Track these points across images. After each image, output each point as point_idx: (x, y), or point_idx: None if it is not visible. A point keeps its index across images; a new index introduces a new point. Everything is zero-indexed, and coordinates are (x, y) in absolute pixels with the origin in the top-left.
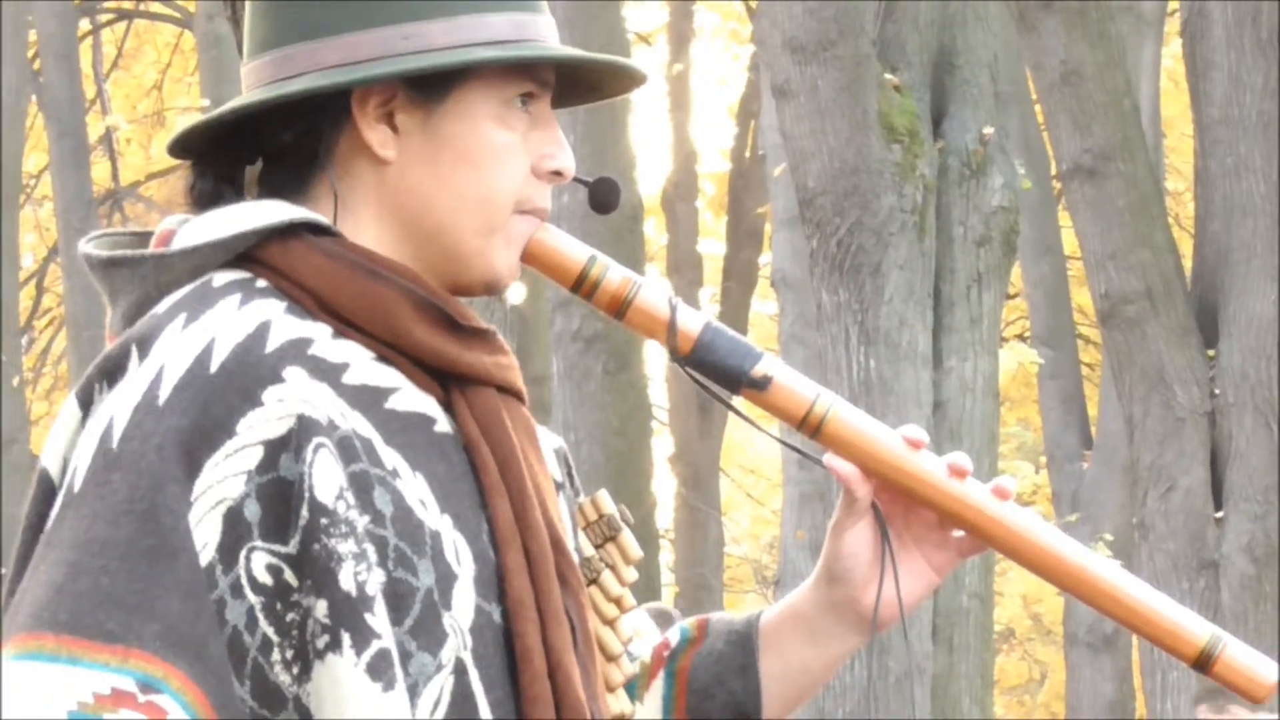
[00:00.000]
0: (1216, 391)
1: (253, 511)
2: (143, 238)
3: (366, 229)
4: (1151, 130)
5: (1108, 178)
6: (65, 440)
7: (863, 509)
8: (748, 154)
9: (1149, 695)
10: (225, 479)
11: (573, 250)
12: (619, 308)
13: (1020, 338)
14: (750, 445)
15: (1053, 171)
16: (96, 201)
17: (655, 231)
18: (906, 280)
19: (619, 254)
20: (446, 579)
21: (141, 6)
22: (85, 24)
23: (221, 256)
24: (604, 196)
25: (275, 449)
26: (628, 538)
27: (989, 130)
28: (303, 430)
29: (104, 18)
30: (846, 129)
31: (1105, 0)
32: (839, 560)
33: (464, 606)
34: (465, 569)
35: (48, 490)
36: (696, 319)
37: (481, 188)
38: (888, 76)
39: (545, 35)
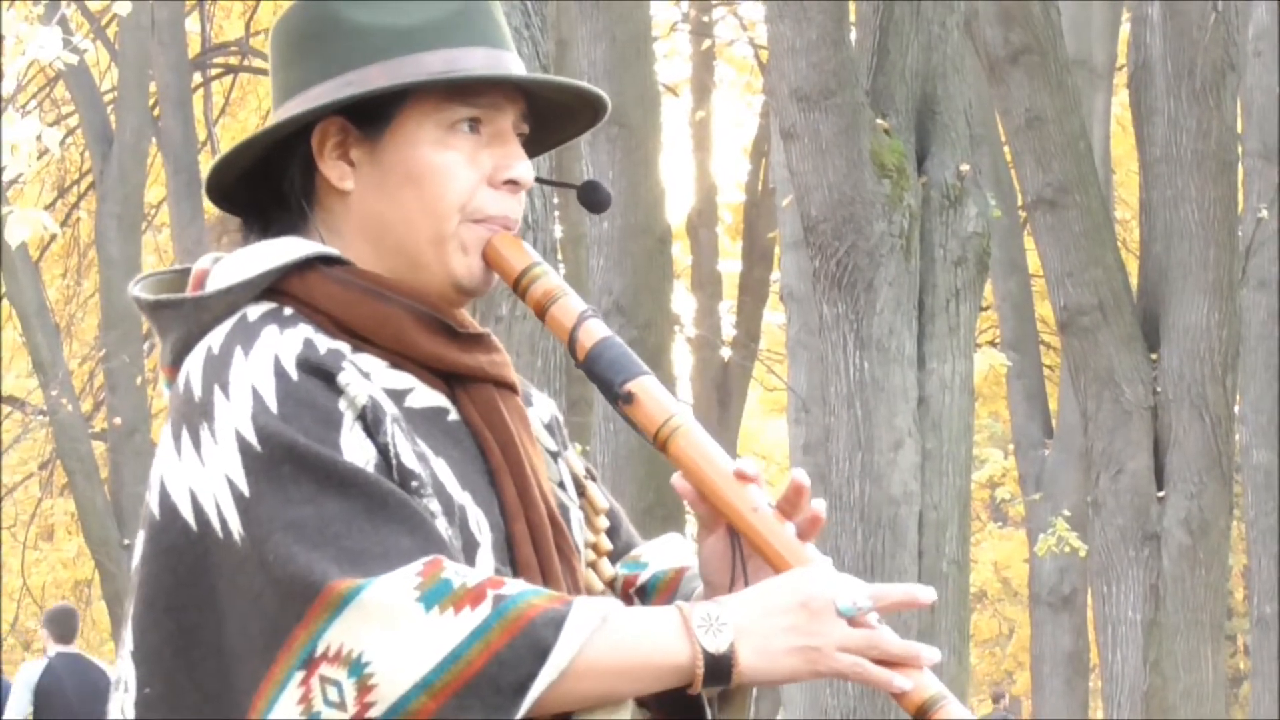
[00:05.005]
0: (1158, 389)
1: (382, 469)
2: (182, 274)
3: (349, 252)
4: (1103, 167)
5: (1066, 208)
6: (182, 473)
7: (708, 523)
8: (760, 187)
9: (1102, 647)
10: (357, 447)
11: (516, 258)
12: (540, 312)
13: (992, 344)
14: (763, 434)
15: (1019, 202)
16: (207, 228)
17: (681, 253)
18: (895, 295)
19: (650, 273)
20: (470, 546)
21: (246, 63)
22: (197, 77)
23: (252, 293)
24: (592, 197)
25: (365, 424)
26: (594, 491)
27: (965, 167)
28: (375, 409)
29: (214, 71)
30: (844, 166)
31: (1062, 56)
32: (700, 566)
33: (484, 569)
34: (485, 537)
35: (171, 516)
36: (595, 334)
37: (425, 202)
38: (879, 121)
39: (489, 67)
